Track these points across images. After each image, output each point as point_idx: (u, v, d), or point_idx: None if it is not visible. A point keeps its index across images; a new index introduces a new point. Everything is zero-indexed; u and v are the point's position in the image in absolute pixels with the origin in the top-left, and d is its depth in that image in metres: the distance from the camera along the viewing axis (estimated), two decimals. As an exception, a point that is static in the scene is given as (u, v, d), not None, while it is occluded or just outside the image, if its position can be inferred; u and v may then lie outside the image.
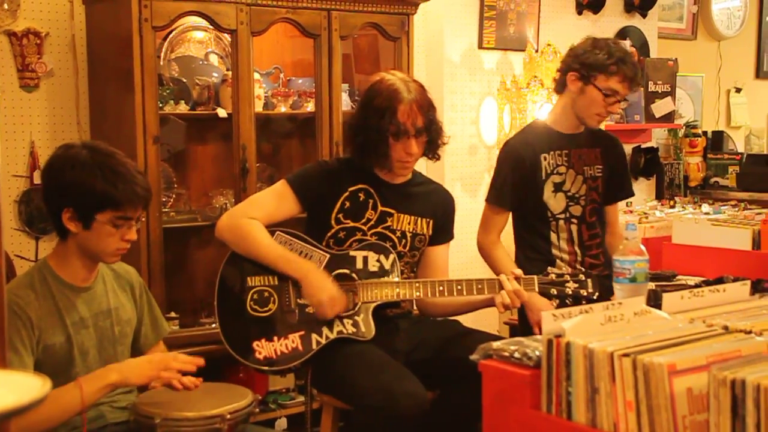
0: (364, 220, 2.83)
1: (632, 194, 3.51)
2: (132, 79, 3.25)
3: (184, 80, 3.63)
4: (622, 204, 3.73)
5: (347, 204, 2.83)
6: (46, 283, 2.37)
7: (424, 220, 2.91)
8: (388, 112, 2.73)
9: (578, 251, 3.23)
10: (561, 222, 3.21)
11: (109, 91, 3.47)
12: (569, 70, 3.15)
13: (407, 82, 2.81)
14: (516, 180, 3.18)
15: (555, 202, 3.20)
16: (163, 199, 3.55)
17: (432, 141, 2.83)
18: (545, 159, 3.19)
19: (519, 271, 2.77)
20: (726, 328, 1.75)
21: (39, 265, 2.44)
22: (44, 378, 0.99)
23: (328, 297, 2.69)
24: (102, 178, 2.31)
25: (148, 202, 2.42)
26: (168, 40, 3.74)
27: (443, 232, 2.96)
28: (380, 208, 2.85)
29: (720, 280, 2.94)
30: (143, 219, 2.46)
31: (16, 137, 3.49)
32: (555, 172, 3.20)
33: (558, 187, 3.20)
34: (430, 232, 2.92)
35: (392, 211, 2.86)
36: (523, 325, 3.18)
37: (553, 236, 3.21)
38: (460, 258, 4.34)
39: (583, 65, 3.11)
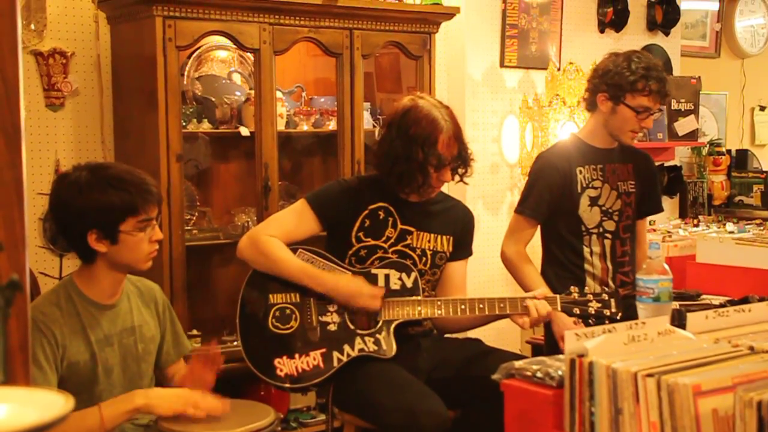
0: (384, 238, 2.83)
1: (662, 209, 3.49)
2: (156, 98, 3.28)
3: (208, 99, 3.66)
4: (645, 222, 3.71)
5: (367, 222, 2.83)
6: (71, 300, 2.39)
7: (444, 237, 2.90)
8: (428, 143, 2.74)
9: (610, 266, 3.21)
10: (594, 236, 3.19)
11: (133, 110, 3.50)
12: (598, 92, 3.14)
13: (440, 108, 2.81)
14: (553, 192, 3.16)
15: (590, 216, 3.18)
16: (186, 217, 3.56)
17: (465, 167, 2.85)
18: (580, 172, 3.18)
19: (543, 291, 2.76)
20: (752, 348, 1.73)
21: (65, 282, 2.46)
22: (67, 395, 0.99)
23: (367, 293, 2.71)
24: (114, 190, 2.34)
25: (161, 199, 2.47)
26: (192, 58, 3.77)
27: (462, 249, 2.96)
28: (400, 226, 2.85)
29: (745, 300, 2.91)
30: (160, 218, 2.52)
31: (41, 155, 3.52)
32: (590, 186, 3.18)
33: (594, 201, 3.18)
34: (451, 249, 2.92)
35: (412, 229, 2.86)
36: (549, 343, 3.16)
37: (586, 251, 3.19)
38: (482, 276, 4.33)
39: (610, 86, 3.09)
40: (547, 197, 3.16)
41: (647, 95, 3.08)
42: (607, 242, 3.21)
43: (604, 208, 3.19)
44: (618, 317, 2.68)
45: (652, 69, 3.10)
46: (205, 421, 2.39)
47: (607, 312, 2.71)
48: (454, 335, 3.00)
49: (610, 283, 3.18)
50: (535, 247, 3.29)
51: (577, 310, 2.73)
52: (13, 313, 1.23)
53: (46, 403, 0.98)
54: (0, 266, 1.12)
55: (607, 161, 3.22)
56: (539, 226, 3.25)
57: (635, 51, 3.20)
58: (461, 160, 2.82)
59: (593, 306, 2.73)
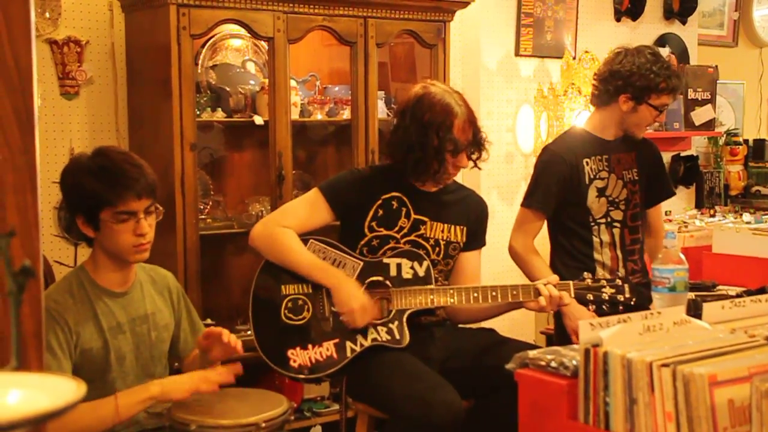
0: (397, 228, 2.82)
1: (673, 193, 3.50)
2: (170, 87, 3.28)
3: (222, 87, 3.66)
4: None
5: (380, 212, 2.82)
6: (83, 288, 2.39)
7: (457, 227, 2.89)
8: (443, 129, 2.73)
9: (620, 255, 3.20)
10: (603, 226, 3.19)
11: (147, 99, 3.50)
12: (620, 92, 3.13)
13: (452, 94, 2.81)
14: (560, 184, 3.16)
15: (597, 207, 3.18)
16: (200, 206, 3.56)
17: (480, 152, 2.83)
18: (587, 164, 3.18)
19: (555, 278, 2.75)
20: (768, 338, 1.72)
21: (76, 270, 2.47)
22: (80, 381, 0.99)
23: (359, 305, 2.68)
24: (92, 179, 2.34)
25: (144, 193, 2.35)
26: (206, 47, 3.77)
27: (476, 239, 2.95)
28: (413, 216, 2.84)
29: (762, 290, 2.90)
30: (156, 210, 2.42)
31: (56, 144, 3.53)
32: (597, 177, 3.18)
33: (601, 192, 3.18)
34: (464, 239, 2.90)
35: (425, 219, 2.85)
36: (559, 334, 3.15)
37: (596, 240, 3.19)
38: (496, 266, 4.31)
39: (636, 88, 3.10)
40: (555, 190, 3.16)
41: (668, 93, 3.13)
42: (616, 231, 3.21)
43: (610, 198, 3.20)
44: (632, 302, 2.67)
45: (671, 67, 3.16)
46: (217, 409, 2.39)
47: (621, 297, 2.69)
48: (468, 325, 2.99)
49: (621, 271, 3.18)
50: (542, 238, 3.27)
51: (590, 296, 2.72)
52: (26, 299, 1.23)
53: (59, 389, 0.97)
54: (13, 252, 1.11)
55: (613, 151, 3.23)
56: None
57: (645, 47, 3.21)
58: (476, 145, 2.81)
59: (607, 291, 2.71)
